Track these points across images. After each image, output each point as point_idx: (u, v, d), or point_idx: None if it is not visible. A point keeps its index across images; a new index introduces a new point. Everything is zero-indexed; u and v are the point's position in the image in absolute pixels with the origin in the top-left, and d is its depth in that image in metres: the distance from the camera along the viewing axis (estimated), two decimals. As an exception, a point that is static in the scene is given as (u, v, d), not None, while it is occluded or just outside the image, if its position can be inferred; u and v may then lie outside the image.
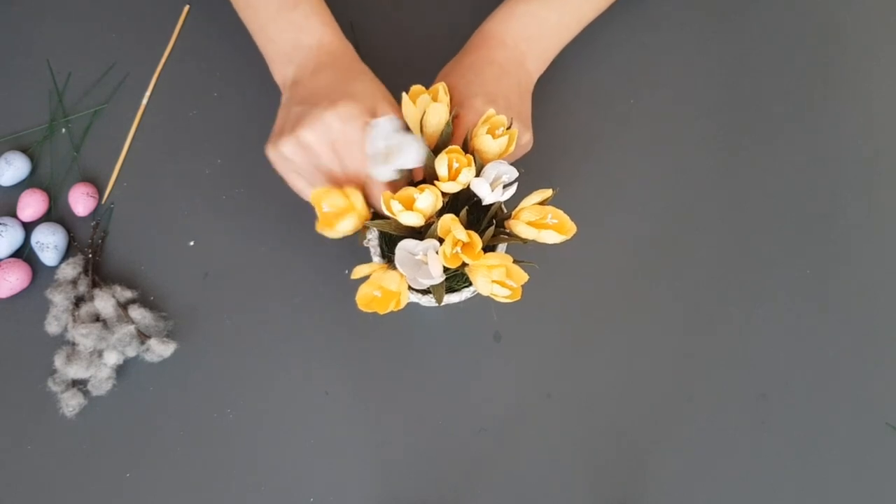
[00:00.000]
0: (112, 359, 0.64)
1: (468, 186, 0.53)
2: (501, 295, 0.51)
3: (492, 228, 0.54)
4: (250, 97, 0.72)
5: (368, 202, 0.56)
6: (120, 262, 0.69)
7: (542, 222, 0.53)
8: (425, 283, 0.52)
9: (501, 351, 0.67)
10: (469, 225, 0.55)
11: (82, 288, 0.66)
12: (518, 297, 0.52)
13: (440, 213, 0.53)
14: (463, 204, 0.55)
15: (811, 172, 0.72)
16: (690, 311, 0.68)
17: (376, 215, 0.57)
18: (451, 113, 0.55)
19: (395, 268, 0.53)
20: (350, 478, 0.64)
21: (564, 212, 0.53)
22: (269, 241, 0.69)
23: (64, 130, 0.72)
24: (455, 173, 0.52)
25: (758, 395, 0.66)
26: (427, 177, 0.56)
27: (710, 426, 0.66)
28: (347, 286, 0.60)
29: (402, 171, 0.55)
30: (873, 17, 0.77)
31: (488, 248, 0.56)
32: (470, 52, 0.64)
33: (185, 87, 0.73)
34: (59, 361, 0.64)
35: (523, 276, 0.52)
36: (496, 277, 0.51)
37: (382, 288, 0.52)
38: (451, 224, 0.51)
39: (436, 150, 0.55)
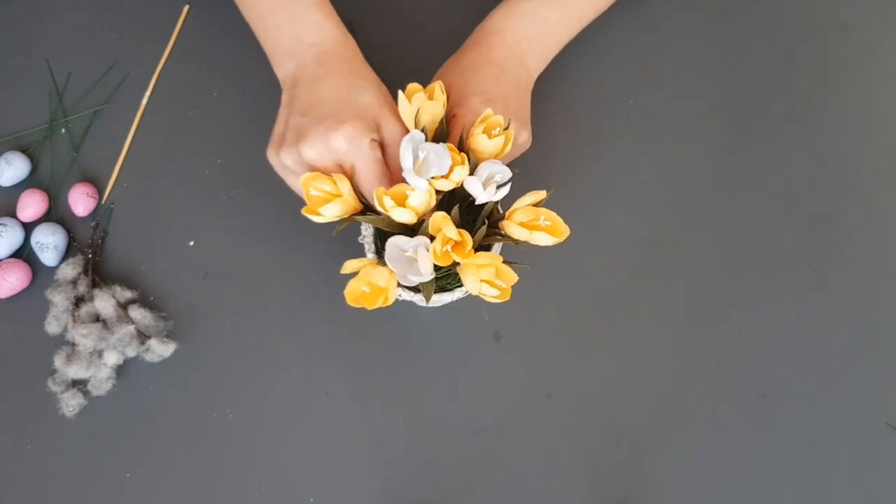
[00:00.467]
0: (112, 359, 0.64)
1: (462, 185, 0.53)
2: (490, 295, 0.51)
3: (484, 228, 0.54)
4: (250, 97, 0.72)
5: (357, 192, 0.56)
6: (120, 262, 0.69)
7: (535, 224, 0.53)
8: (415, 280, 0.52)
9: (501, 351, 0.67)
10: (464, 224, 0.55)
11: (82, 288, 0.66)
12: (507, 298, 0.51)
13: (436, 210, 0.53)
14: (460, 203, 0.55)
15: (811, 172, 0.72)
16: (690, 311, 0.68)
17: (370, 210, 0.56)
18: (447, 112, 0.55)
19: (385, 264, 0.52)
20: (350, 478, 0.64)
21: (564, 212, 0.53)
22: (269, 241, 0.69)
23: (64, 130, 0.72)
24: (448, 171, 0.52)
25: (758, 395, 0.66)
26: None
27: (710, 426, 0.66)
28: (347, 286, 0.60)
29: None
30: (874, 16, 0.77)
31: (483, 248, 0.56)
32: (469, 50, 0.64)
33: (185, 87, 0.73)
34: (59, 361, 0.64)
35: (513, 277, 0.52)
36: (485, 277, 0.51)
37: (371, 283, 0.52)
38: (441, 222, 0.51)
39: None
